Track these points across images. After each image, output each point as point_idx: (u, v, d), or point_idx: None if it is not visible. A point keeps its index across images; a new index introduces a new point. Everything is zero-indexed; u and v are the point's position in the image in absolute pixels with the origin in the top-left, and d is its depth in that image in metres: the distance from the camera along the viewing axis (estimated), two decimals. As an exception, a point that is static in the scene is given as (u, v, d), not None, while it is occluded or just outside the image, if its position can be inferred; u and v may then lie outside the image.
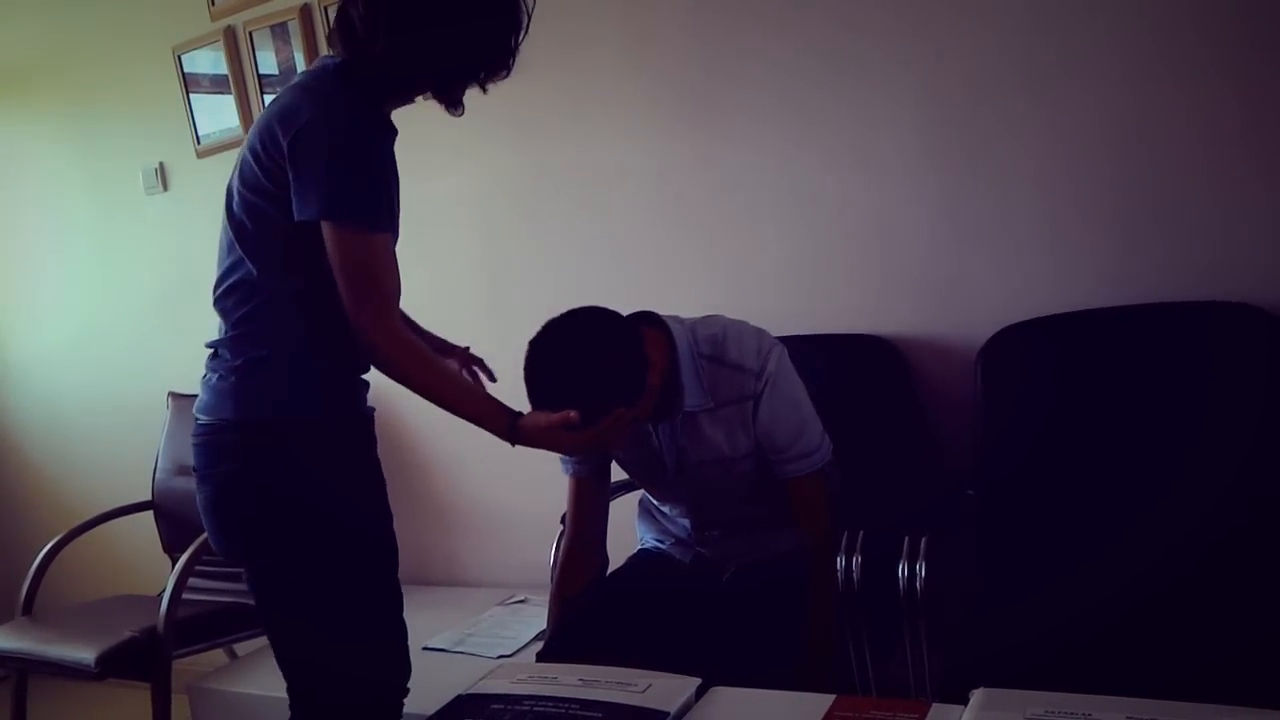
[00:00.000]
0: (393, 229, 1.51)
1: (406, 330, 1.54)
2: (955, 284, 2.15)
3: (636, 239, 2.48)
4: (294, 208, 1.43)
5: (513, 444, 1.56)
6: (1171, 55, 1.92)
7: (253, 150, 1.47)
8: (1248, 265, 1.91)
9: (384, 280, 1.47)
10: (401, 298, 1.52)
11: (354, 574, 1.53)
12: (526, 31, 1.52)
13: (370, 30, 1.44)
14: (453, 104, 1.54)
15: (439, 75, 1.50)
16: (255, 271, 1.49)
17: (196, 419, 1.55)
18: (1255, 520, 1.76)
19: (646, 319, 1.79)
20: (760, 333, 1.81)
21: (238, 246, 1.51)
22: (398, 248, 1.51)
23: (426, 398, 1.54)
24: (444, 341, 1.87)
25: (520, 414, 1.56)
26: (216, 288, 1.55)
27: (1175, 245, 1.96)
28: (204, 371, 1.57)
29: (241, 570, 1.64)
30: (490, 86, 1.55)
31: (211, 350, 1.57)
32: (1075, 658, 1.52)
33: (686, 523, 1.94)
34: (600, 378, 1.61)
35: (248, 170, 1.48)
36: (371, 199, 1.44)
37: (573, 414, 1.54)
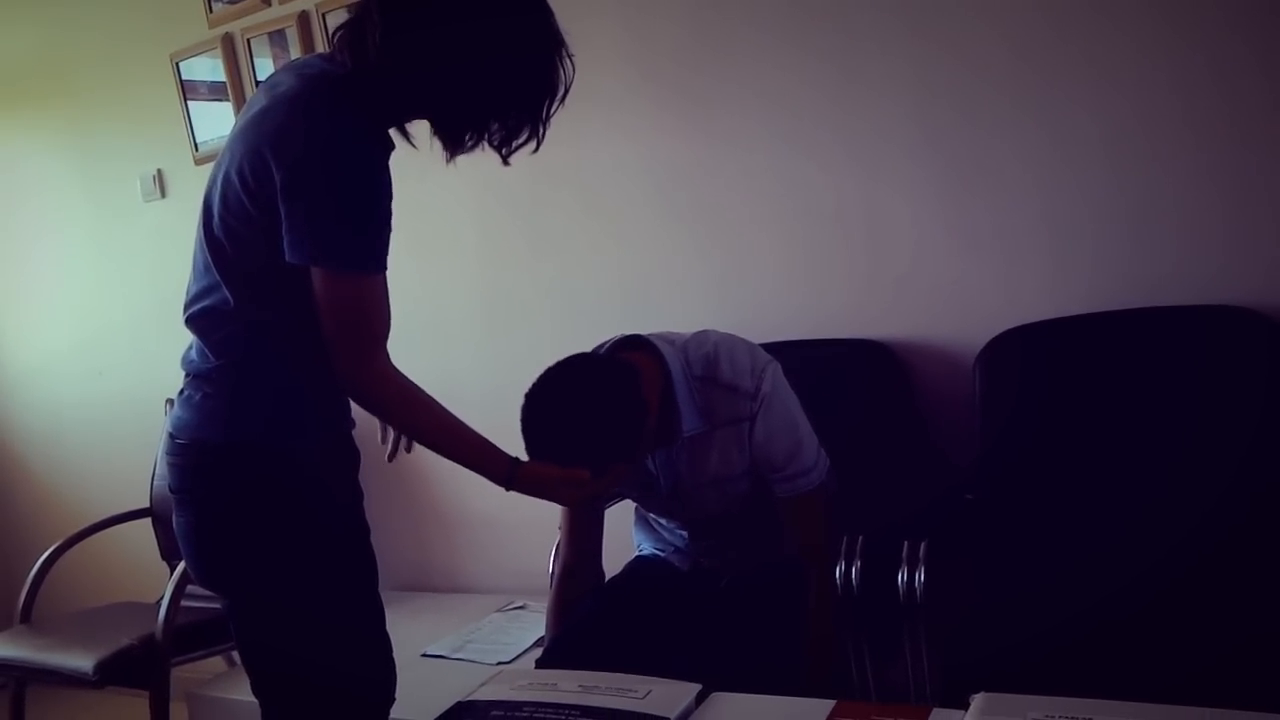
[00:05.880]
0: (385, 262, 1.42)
1: (394, 370, 1.43)
2: (953, 288, 2.15)
3: (634, 240, 2.47)
4: (285, 246, 1.33)
5: (508, 489, 1.51)
6: (1166, 59, 1.92)
7: (239, 174, 1.35)
8: (1246, 269, 1.91)
9: (373, 322, 1.39)
10: (390, 331, 1.43)
11: (340, 594, 1.48)
12: (563, 103, 1.42)
13: (385, 59, 1.33)
14: (454, 146, 1.42)
15: (450, 115, 1.40)
16: (231, 300, 1.40)
17: (173, 438, 1.46)
18: (1253, 522, 1.76)
19: (634, 343, 1.76)
20: (753, 349, 1.78)
21: (214, 270, 1.41)
22: (393, 251, 1.45)
23: (416, 440, 1.49)
24: None
25: (519, 461, 1.51)
26: (190, 305, 1.46)
27: (1173, 249, 1.96)
28: (182, 389, 1.48)
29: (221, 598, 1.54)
30: (514, 158, 1.44)
31: (191, 374, 1.47)
32: (1075, 661, 1.52)
33: (684, 534, 1.93)
34: (603, 440, 1.58)
35: (231, 195, 1.37)
36: (369, 242, 1.35)
37: (584, 474, 1.52)
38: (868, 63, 2.16)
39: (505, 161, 1.45)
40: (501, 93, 1.39)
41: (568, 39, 1.40)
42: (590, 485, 1.56)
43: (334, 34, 1.41)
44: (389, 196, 1.37)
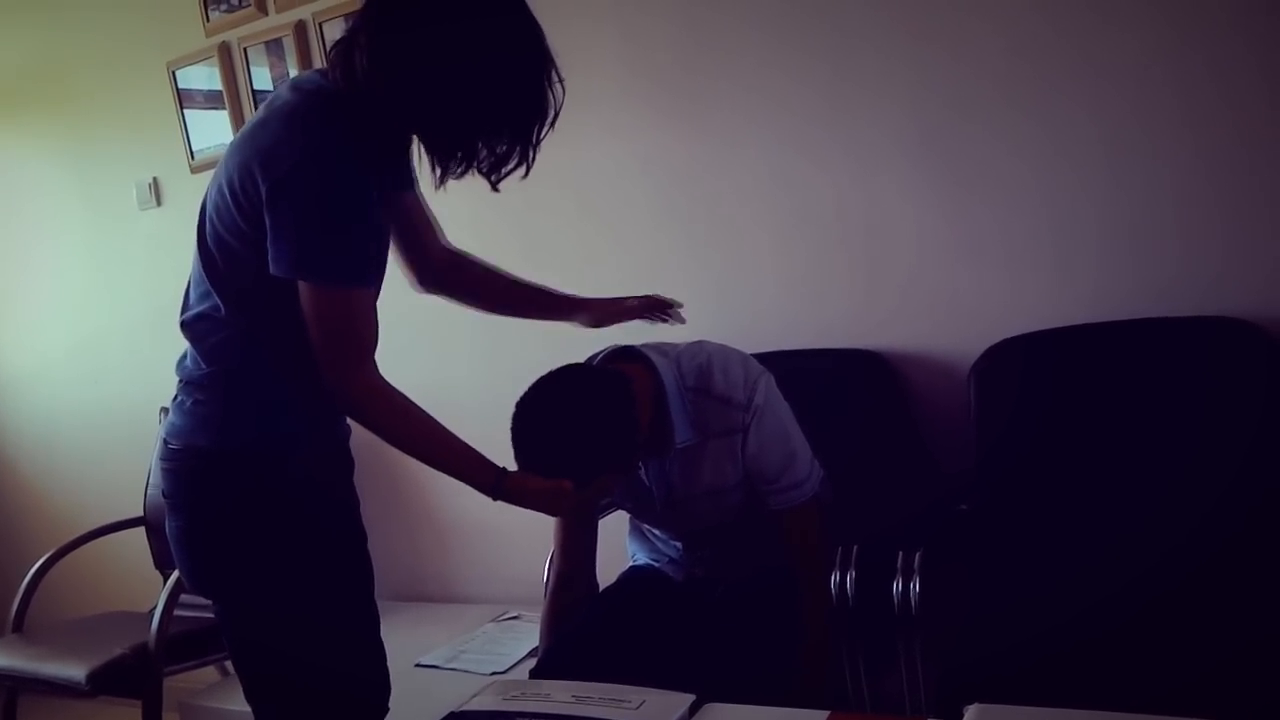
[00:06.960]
0: (376, 277, 1.43)
1: (381, 380, 1.43)
2: (949, 298, 2.15)
3: (630, 244, 2.47)
4: (269, 259, 1.35)
5: (495, 500, 1.50)
6: (1167, 69, 1.93)
7: (230, 187, 1.37)
8: (1243, 281, 1.91)
9: (360, 333, 1.40)
10: (378, 344, 1.44)
11: (335, 601, 1.48)
12: (552, 127, 1.42)
13: (373, 81, 1.34)
14: (443, 165, 1.41)
15: (440, 132, 1.40)
16: (222, 309, 1.42)
17: (166, 443, 1.47)
18: (1249, 534, 1.76)
19: (628, 354, 1.76)
20: (746, 361, 1.78)
21: (206, 280, 1.44)
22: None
23: (402, 450, 1.47)
24: (588, 300, 1.81)
25: (506, 471, 1.50)
26: (185, 311, 1.48)
27: (1170, 260, 1.97)
28: (176, 395, 1.50)
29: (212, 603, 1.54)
30: (503, 184, 1.44)
31: (184, 380, 1.49)
32: (1070, 672, 1.52)
33: (678, 544, 1.93)
34: (593, 452, 1.58)
35: (223, 208, 1.39)
36: (352, 257, 1.36)
37: (568, 485, 1.52)
38: (863, 61, 2.16)
39: (494, 188, 1.44)
40: (491, 108, 1.39)
41: (558, 60, 1.40)
42: (576, 496, 1.55)
43: (329, 51, 1.42)
44: (380, 215, 1.38)
